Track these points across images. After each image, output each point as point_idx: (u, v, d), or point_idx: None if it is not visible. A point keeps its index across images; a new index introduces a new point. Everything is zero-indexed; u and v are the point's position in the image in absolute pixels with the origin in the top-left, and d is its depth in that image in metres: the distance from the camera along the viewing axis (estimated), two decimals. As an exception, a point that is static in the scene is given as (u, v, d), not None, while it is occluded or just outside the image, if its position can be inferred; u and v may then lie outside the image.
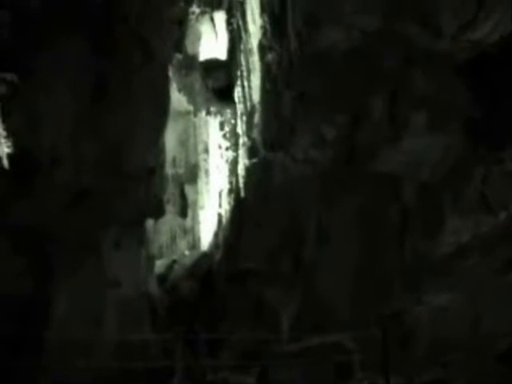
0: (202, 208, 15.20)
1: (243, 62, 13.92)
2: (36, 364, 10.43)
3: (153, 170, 12.78)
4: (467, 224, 12.00)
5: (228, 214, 14.02)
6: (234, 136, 14.33)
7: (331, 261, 12.28)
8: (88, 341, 10.84)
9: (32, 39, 11.44)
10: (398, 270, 12.11)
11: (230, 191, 14.09)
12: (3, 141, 11.49)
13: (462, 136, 12.03)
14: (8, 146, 11.49)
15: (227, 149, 14.41)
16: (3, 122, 11.49)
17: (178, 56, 14.21)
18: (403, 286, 12.08)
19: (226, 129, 14.50)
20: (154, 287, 13.40)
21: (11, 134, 11.48)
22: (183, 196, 15.35)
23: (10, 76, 11.41)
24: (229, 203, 14.06)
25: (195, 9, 14.38)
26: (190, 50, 14.50)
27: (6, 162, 11.53)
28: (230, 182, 14.15)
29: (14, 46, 11.40)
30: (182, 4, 14.10)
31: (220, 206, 14.42)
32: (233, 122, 14.37)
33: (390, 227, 12.17)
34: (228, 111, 14.41)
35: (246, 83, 13.90)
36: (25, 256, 11.24)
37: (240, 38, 14.03)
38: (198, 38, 14.66)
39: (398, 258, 12.12)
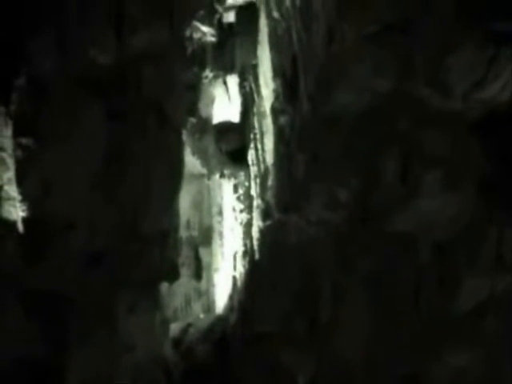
0: (216, 271, 15.16)
1: (256, 125, 14.03)
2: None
3: (167, 232, 12.81)
4: (484, 283, 11.91)
5: (243, 277, 13.95)
6: (247, 198, 14.36)
7: (347, 322, 12.16)
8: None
9: (47, 104, 11.64)
10: (414, 330, 11.97)
11: (245, 254, 14.05)
12: (18, 205, 11.60)
13: (475, 195, 11.99)
14: (23, 210, 11.59)
15: (241, 211, 14.43)
16: (18, 186, 11.61)
17: (192, 120, 14.35)
18: (421, 346, 11.90)
19: (240, 191, 14.53)
20: (168, 351, 13.31)
21: (26, 198, 11.59)
22: (198, 259, 15.30)
23: (25, 140, 11.58)
24: (243, 266, 14.01)
25: (208, 73, 14.55)
26: (203, 113, 14.64)
27: (20, 226, 11.61)
28: (245, 245, 14.13)
29: (30, 111, 11.61)
30: (195, 68, 14.31)
31: (234, 268, 14.36)
32: (246, 184, 14.41)
33: (405, 287, 12.06)
34: (242, 174, 14.47)
35: (259, 146, 13.97)
36: (39, 321, 11.24)
37: (253, 100, 14.17)
38: (211, 101, 14.81)
39: (414, 318, 11.98)
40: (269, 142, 13.65)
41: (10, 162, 11.66)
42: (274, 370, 12.55)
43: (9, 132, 11.65)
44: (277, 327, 12.65)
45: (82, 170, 11.87)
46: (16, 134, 11.63)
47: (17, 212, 11.63)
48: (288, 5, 12.81)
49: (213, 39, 14.40)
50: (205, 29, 14.23)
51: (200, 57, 14.40)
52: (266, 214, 13.52)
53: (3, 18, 11.70)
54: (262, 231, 13.54)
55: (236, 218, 14.57)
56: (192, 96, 14.30)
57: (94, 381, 11.44)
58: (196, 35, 14.16)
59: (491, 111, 11.87)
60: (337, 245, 12.49)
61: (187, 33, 13.73)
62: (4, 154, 11.67)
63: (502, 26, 11.43)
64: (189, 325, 14.57)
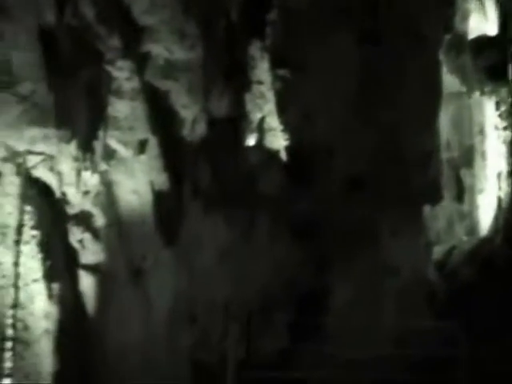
0: (480, 192, 14.73)
1: (517, 36, 13.33)
2: (317, 350, 10.64)
3: (430, 154, 12.61)
4: None
5: (508, 197, 13.48)
6: (511, 115, 13.76)
7: None
8: (367, 328, 10.91)
9: (300, 36, 11.82)
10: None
11: (510, 173, 13.54)
12: (280, 134, 11.96)
13: None
14: (285, 140, 11.93)
15: (505, 129, 13.86)
16: (279, 116, 11.96)
17: (447, 37, 13.88)
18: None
19: (502, 108, 13.93)
20: (432, 274, 13.25)
21: (287, 127, 11.92)
22: (459, 180, 15.01)
23: (282, 72, 11.87)
24: (508, 185, 13.51)
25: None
26: (458, 29, 14.14)
27: (283, 155, 11.99)
28: (510, 164, 13.60)
29: (284, 43, 11.86)
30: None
31: (499, 188, 13.91)
32: (509, 100, 13.78)
33: None
34: (503, 90, 13.83)
35: (521, 57, 13.31)
36: (304, 245, 11.58)
37: (513, 9, 13.43)
38: (466, 16, 14.24)
39: None
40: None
41: (269, 94, 11.97)
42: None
43: (265, 65, 11.95)
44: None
45: (339, 97, 11.95)
46: (273, 66, 11.92)
47: (278, 141, 11.99)
48: None
49: None
50: None
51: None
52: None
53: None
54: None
55: (499, 137, 14.03)
56: (448, 11, 13.80)
57: (358, 303, 11.61)
58: None
59: None
60: None
61: None
62: (263, 88, 12.00)
63: None
64: (452, 247, 14.40)
